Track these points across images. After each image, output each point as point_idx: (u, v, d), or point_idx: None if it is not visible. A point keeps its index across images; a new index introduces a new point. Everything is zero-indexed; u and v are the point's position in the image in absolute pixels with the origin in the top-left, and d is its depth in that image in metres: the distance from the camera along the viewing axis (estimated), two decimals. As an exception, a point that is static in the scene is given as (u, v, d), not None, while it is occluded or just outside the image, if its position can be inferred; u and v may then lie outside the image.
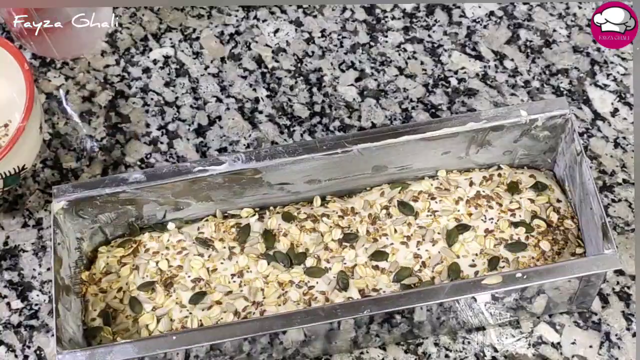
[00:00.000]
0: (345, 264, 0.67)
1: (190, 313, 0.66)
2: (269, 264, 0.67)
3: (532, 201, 0.69)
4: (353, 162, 0.68)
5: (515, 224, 0.68)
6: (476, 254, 0.67)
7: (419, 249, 0.67)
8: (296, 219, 0.69)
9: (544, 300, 0.65)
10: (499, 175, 0.70)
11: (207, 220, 0.71)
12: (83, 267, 0.69)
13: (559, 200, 0.69)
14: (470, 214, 0.68)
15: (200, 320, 0.65)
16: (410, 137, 0.67)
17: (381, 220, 0.69)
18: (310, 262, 0.67)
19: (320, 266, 0.67)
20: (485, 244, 0.67)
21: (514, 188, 0.69)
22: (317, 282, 0.66)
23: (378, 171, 0.70)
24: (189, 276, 0.67)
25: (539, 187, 0.70)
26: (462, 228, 0.68)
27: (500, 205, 0.69)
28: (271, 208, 0.71)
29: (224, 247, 0.68)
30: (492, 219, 0.68)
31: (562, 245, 0.67)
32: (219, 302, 0.66)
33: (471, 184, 0.70)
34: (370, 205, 0.70)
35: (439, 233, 0.68)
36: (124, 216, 0.69)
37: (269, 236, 0.69)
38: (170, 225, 0.70)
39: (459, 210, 0.69)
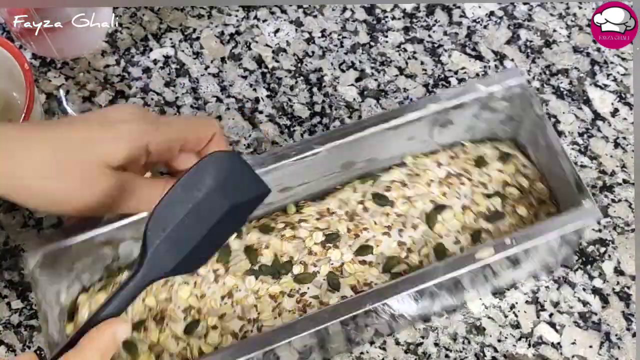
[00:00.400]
0: (332, 264, 0.67)
1: (188, 344, 0.64)
2: (256, 278, 0.66)
3: (501, 171, 0.70)
4: (323, 163, 0.67)
5: (489, 196, 0.69)
6: (458, 231, 0.68)
7: (401, 237, 0.68)
8: (275, 230, 0.69)
9: (530, 264, 0.66)
10: (464, 152, 0.71)
11: None
12: (66, 320, 0.65)
13: (525, 166, 0.70)
14: (444, 194, 0.69)
15: (200, 348, 0.64)
16: (376, 128, 0.66)
17: (359, 216, 0.69)
18: (297, 269, 0.67)
19: (308, 271, 0.67)
20: (465, 219, 0.68)
21: (480, 162, 0.71)
22: (308, 288, 0.66)
23: (347, 168, 0.69)
24: (178, 307, 0.66)
25: (504, 157, 0.71)
26: (440, 209, 0.68)
27: (471, 180, 0.70)
28: (247, 223, 0.69)
29: (208, 271, 0.67)
30: (466, 195, 0.69)
31: (538, 208, 0.68)
32: (214, 327, 0.65)
33: (439, 165, 0.71)
34: (345, 203, 0.70)
35: (418, 217, 0.68)
36: (100, 259, 0.66)
37: (251, 251, 0.67)
38: None
39: (432, 192, 0.70)
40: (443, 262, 0.61)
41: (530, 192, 0.69)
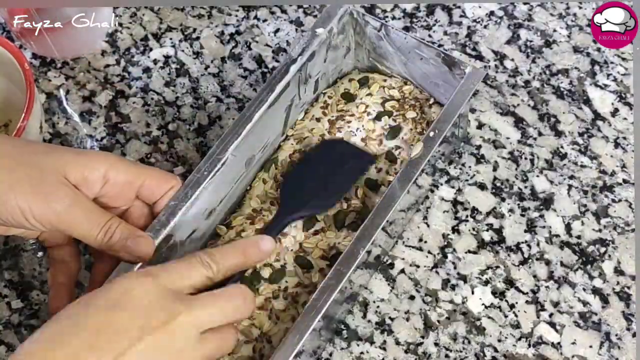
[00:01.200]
0: (292, 250, 0.67)
1: None
2: None
3: (370, 94, 0.74)
4: (231, 169, 0.67)
5: (377, 117, 0.73)
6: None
7: None
8: None
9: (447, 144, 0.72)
10: (329, 97, 0.75)
11: None
12: None
13: (385, 80, 0.75)
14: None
15: None
16: (260, 111, 0.66)
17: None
18: (266, 272, 0.66)
19: (277, 267, 0.67)
20: (372, 148, 0.71)
21: (348, 96, 0.74)
22: (286, 282, 0.66)
23: (250, 164, 0.69)
24: None
25: (364, 82, 0.75)
26: None
27: (353, 115, 0.73)
28: None
29: None
30: (358, 128, 0.73)
31: (420, 105, 0.73)
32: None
33: (317, 119, 0.73)
34: (263, 196, 0.71)
35: None
36: None
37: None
38: None
39: None
40: (395, 180, 0.63)
41: (404, 97, 0.73)
